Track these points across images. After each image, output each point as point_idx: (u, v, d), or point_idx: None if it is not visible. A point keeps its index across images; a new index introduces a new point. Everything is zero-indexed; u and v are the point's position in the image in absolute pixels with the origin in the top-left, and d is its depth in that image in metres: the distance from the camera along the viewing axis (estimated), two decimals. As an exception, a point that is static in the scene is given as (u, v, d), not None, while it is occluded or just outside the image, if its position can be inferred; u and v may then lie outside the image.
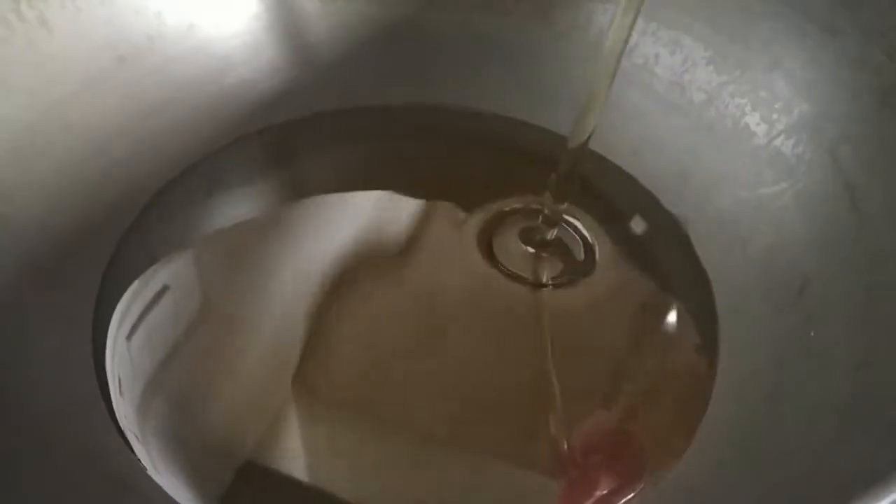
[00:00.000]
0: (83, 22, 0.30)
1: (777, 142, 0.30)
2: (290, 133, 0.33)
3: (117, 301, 0.28)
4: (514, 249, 0.31)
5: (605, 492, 0.25)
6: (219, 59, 0.33)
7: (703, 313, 0.29)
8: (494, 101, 0.34)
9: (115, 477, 0.24)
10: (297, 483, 0.25)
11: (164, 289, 0.28)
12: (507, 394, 0.27)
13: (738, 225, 0.30)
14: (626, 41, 0.25)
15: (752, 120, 0.31)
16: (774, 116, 0.30)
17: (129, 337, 0.27)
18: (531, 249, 0.31)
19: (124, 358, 0.27)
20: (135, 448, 0.25)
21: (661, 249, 0.31)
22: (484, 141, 0.34)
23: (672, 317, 0.29)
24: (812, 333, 0.26)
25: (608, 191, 0.33)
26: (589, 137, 0.27)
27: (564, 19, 0.34)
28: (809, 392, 0.24)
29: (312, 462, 0.25)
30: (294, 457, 0.25)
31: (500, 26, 0.34)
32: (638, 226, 0.32)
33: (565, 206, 0.30)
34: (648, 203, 0.32)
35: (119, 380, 0.26)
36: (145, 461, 0.24)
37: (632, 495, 0.25)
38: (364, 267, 0.30)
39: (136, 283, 0.28)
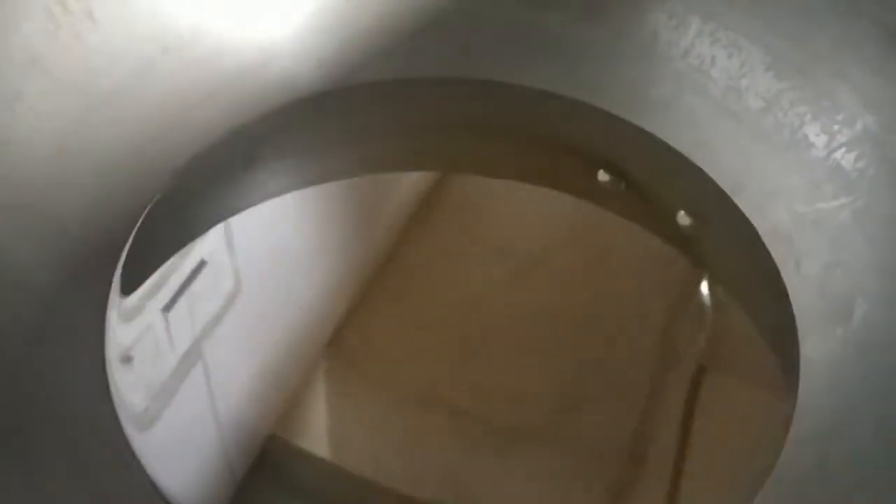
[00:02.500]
0: (128, 14, 0.30)
1: (837, 154, 0.29)
2: (332, 110, 0.33)
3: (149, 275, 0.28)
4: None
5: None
6: (263, 50, 0.32)
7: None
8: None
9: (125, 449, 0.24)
10: (320, 458, 0.25)
11: (202, 263, 0.29)
12: (539, 371, 0.27)
13: (792, 240, 0.29)
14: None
15: (812, 130, 0.29)
16: (836, 128, 0.29)
17: (166, 308, 0.28)
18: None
19: (159, 330, 0.27)
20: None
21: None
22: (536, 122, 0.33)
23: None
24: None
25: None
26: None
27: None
28: (862, 432, 0.23)
29: (337, 436, 0.25)
30: (319, 431, 0.25)
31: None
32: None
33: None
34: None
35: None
36: (169, 431, 0.25)
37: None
38: (401, 244, 0.30)
39: (173, 258, 0.29)
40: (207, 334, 0.27)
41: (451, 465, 0.25)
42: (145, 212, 0.29)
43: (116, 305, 0.27)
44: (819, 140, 0.29)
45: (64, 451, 0.23)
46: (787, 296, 0.28)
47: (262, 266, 0.29)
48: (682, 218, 0.31)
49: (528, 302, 0.28)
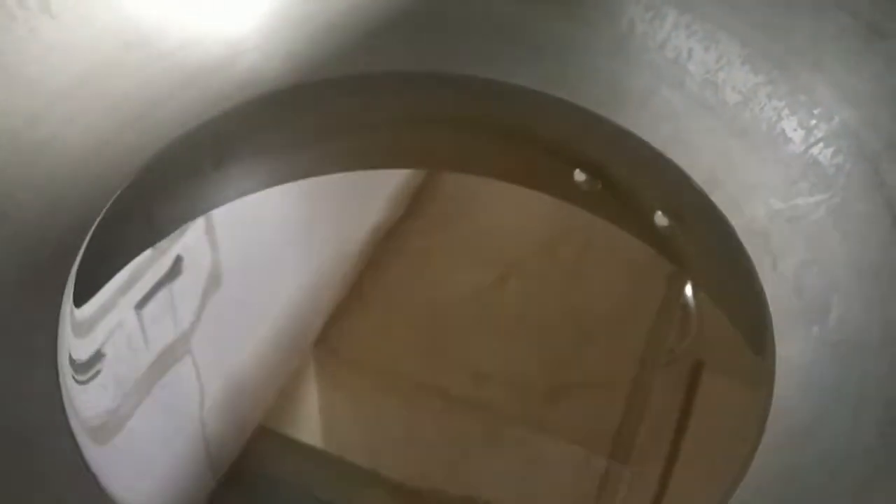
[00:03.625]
0: (87, 8, 0.29)
1: (815, 150, 0.28)
2: (304, 105, 0.33)
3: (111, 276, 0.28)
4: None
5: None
6: (230, 44, 0.32)
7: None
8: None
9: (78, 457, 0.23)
10: (310, 448, 0.25)
11: (178, 259, 0.28)
12: (532, 358, 0.27)
13: (769, 237, 0.28)
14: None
15: (789, 125, 0.29)
16: (813, 122, 0.28)
17: (139, 307, 0.27)
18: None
19: (132, 328, 0.27)
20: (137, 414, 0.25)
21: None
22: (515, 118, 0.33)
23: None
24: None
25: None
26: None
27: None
28: (838, 430, 0.23)
29: (328, 427, 0.25)
30: (309, 422, 0.25)
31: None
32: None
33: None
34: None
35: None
36: (150, 427, 0.25)
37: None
38: (380, 241, 0.30)
39: (147, 253, 0.28)
40: (183, 331, 0.27)
41: (442, 453, 0.25)
42: (103, 211, 0.28)
43: (70, 308, 0.27)
44: (796, 135, 0.29)
45: (17, 462, 0.23)
46: (763, 294, 0.27)
47: (238, 262, 0.29)
48: (660, 218, 0.30)
49: (509, 298, 0.28)
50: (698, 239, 0.30)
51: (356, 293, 0.28)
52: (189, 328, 0.27)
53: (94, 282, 0.27)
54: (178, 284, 0.28)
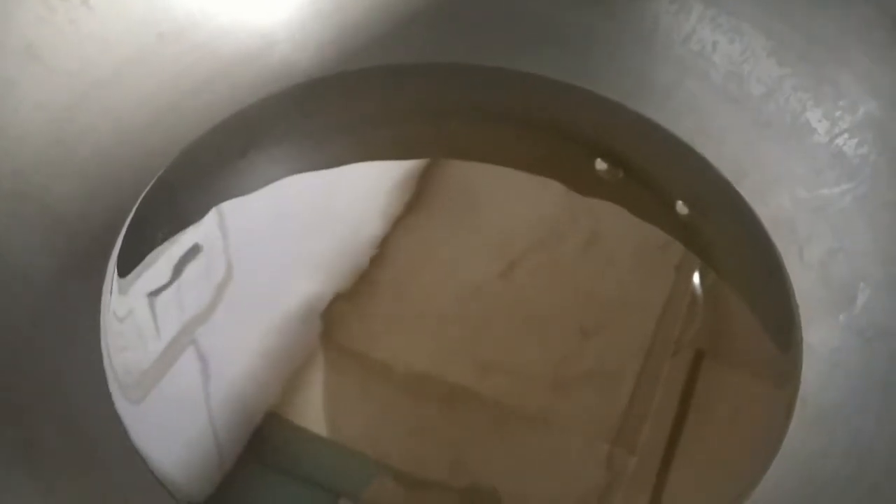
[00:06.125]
0: (124, 0, 0.29)
1: (839, 141, 0.29)
2: (333, 95, 0.33)
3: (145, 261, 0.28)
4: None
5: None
6: (262, 35, 0.32)
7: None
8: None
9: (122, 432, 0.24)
10: (317, 438, 0.25)
11: (196, 248, 0.29)
12: (539, 349, 0.27)
13: (795, 227, 0.29)
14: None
15: (814, 116, 0.29)
16: (837, 114, 0.29)
17: (158, 292, 0.28)
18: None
19: (145, 314, 0.27)
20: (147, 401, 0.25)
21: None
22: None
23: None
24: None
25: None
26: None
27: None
28: (865, 416, 0.23)
29: (334, 417, 0.25)
30: (316, 412, 0.25)
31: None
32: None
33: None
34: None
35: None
36: (159, 415, 0.25)
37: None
38: (397, 230, 0.30)
39: (165, 244, 0.28)
40: (201, 318, 0.27)
41: (448, 443, 0.25)
42: (140, 199, 0.29)
43: (112, 292, 0.27)
44: (821, 126, 0.29)
45: (64, 439, 0.23)
46: (789, 283, 0.28)
47: (256, 250, 0.29)
48: (682, 207, 0.30)
49: (516, 289, 0.28)
50: (723, 229, 0.30)
51: (365, 283, 0.28)
52: (200, 317, 0.27)
53: (129, 267, 0.28)
54: (189, 274, 0.28)
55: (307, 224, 0.30)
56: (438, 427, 0.25)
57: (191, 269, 0.28)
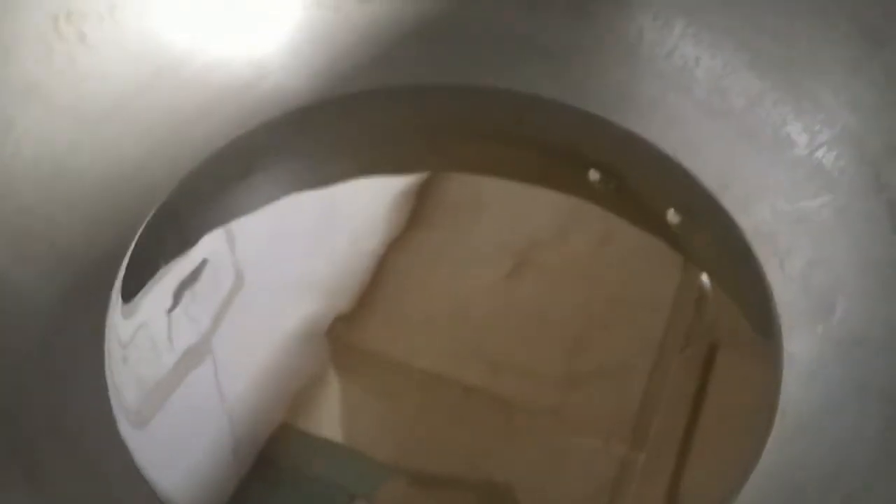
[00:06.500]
0: (120, 36, 0.30)
1: (819, 153, 0.29)
2: (327, 120, 0.33)
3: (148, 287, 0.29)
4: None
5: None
6: (255, 65, 0.33)
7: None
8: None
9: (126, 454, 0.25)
10: (332, 442, 0.25)
11: (203, 262, 0.29)
12: (549, 348, 0.27)
13: (776, 238, 0.29)
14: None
15: (794, 129, 0.30)
16: (817, 127, 0.29)
17: (169, 310, 0.28)
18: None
19: (158, 329, 0.28)
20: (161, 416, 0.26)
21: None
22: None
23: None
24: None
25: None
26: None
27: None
28: (843, 424, 0.24)
29: (348, 420, 0.26)
30: (330, 416, 0.26)
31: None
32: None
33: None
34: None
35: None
36: (174, 428, 0.26)
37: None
38: (402, 239, 0.30)
39: (169, 266, 0.29)
40: (210, 333, 0.28)
41: (461, 443, 0.25)
42: (143, 226, 0.30)
43: (116, 318, 0.28)
44: (801, 139, 0.29)
45: (67, 463, 0.24)
46: (770, 293, 0.28)
47: (261, 266, 0.30)
48: (672, 216, 0.31)
49: (524, 289, 0.29)
50: (708, 239, 0.30)
51: (376, 292, 0.29)
52: (212, 328, 0.28)
53: (135, 293, 0.29)
54: (201, 286, 0.29)
55: (312, 240, 0.30)
56: (452, 427, 0.26)
57: (197, 289, 0.29)
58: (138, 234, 0.29)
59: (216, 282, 0.29)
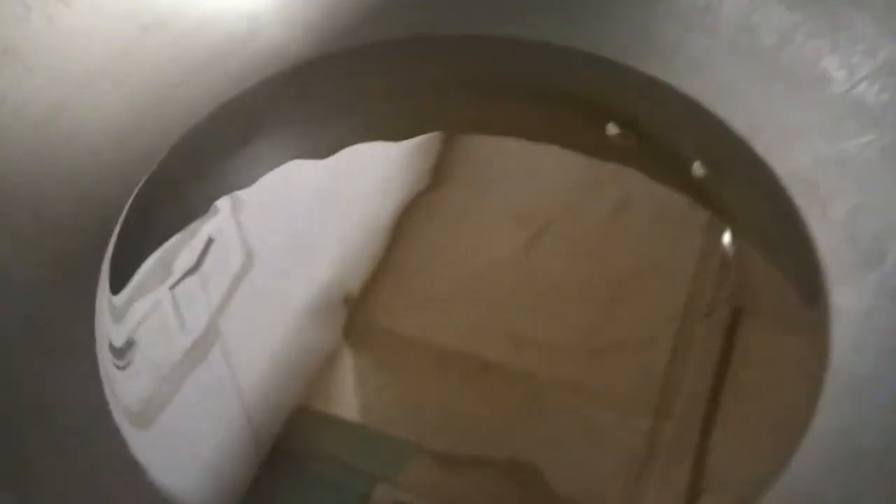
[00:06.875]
0: None
1: (860, 89, 0.27)
2: (327, 76, 0.32)
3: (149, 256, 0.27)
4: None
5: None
6: (248, 18, 0.31)
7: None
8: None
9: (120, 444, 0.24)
10: (351, 422, 0.25)
11: (210, 241, 0.28)
12: (571, 320, 0.26)
13: (816, 183, 0.27)
14: None
15: (831, 64, 0.28)
16: (855, 60, 0.27)
17: (172, 288, 0.27)
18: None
19: (167, 311, 0.27)
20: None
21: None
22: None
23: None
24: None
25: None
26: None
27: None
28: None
29: (367, 400, 0.25)
30: (348, 396, 0.25)
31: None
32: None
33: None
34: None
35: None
36: (191, 411, 0.25)
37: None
38: (419, 204, 0.29)
39: (178, 236, 0.28)
40: (218, 313, 0.27)
41: (484, 421, 0.25)
42: (132, 198, 0.28)
43: (107, 296, 0.27)
44: (839, 74, 0.28)
45: (60, 453, 0.23)
46: (813, 244, 0.27)
47: (271, 238, 0.29)
48: (697, 168, 0.29)
49: (544, 260, 0.28)
50: (741, 190, 0.29)
51: (390, 262, 0.28)
52: (223, 306, 0.27)
53: (128, 267, 0.27)
54: (210, 265, 0.28)
55: (321, 208, 0.29)
56: (474, 404, 0.25)
57: (208, 261, 0.28)
58: (128, 205, 0.28)
59: (220, 259, 0.28)
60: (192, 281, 0.27)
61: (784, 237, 0.27)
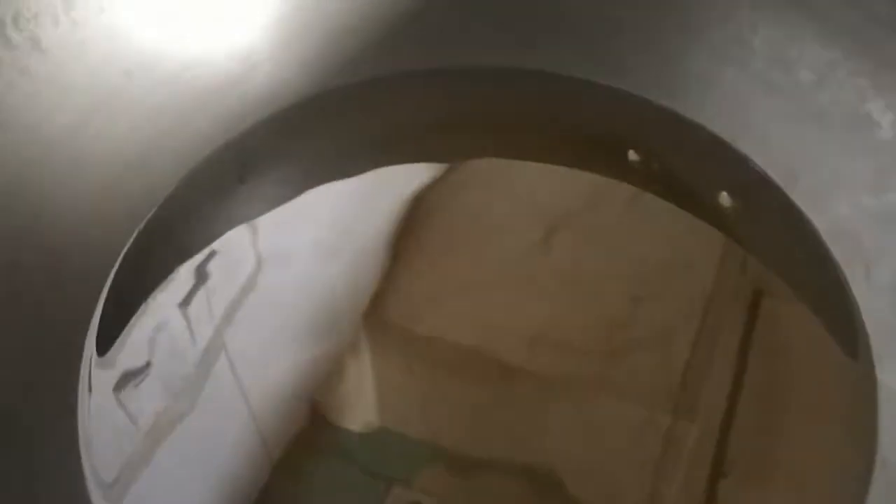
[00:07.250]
0: (80, 38, 0.27)
1: (908, 136, 0.26)
2: (325, 113, 0.31)
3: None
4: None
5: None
6: (241, 58, 0.29)
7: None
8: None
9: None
10: (367, 424, 0.25)
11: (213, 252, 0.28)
12: (589, 318, 0.26)
13: (859, 240, 0.26)
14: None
15: (875, 107, 0.26)
16: (904, 104, 0.26)
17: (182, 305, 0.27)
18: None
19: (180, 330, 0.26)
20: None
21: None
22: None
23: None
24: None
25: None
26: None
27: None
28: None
29: (383, 401, 0.25)
30: (364, 397, 0.25)
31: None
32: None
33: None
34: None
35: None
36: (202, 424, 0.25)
37: None
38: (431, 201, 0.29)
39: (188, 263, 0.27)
40: (225, 318, 0.27)
41: (501, 420, 0.25)
42: (124, 251, 0.27)
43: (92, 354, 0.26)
44: (885, 118, 0.26)
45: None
46: (857, 309, 0.25)
47: (279, 248, 0.28)
48: (725, 199, 0.28)
49: (558, 257, 0.28)
50: (775, 241, 0.27)
51: (404, 262, 0.28)
52: (231, 313, 0.27)
53: (120, 319, 0.26)
54: (216, 277, 0.27)
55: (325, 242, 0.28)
56: (491, 404, 0.25)
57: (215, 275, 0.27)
58: (118, 262, 0.27)
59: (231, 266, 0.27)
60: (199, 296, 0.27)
61: (824, 302, 0.26)
